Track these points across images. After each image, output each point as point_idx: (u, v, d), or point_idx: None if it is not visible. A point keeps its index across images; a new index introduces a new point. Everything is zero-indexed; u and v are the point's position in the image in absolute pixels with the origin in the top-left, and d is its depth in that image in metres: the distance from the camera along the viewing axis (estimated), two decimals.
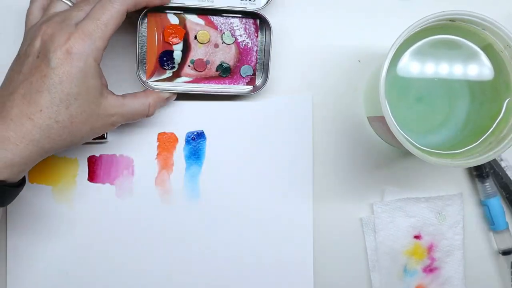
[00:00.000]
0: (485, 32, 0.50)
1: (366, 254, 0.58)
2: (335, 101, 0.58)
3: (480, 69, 0.51)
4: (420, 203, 0.58)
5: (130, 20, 0.49)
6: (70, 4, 0.49)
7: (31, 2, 0.51)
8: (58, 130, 0.45)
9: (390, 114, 0.49)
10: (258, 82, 0.56)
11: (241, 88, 0.56)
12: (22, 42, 0.48)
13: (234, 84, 0.56)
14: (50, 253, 0.56)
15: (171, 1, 0.52)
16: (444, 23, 0.50)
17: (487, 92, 0.51)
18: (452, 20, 0.49)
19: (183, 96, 0.55)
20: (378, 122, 0.53)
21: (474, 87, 0.51)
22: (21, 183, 0.47)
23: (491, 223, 0.58)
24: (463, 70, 0.51)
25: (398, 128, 0.50)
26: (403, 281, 0.58)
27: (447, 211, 0.58)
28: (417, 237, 0.58)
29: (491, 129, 0.51)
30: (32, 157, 0.45)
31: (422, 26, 0.48)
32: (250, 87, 0.56)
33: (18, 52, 0.48)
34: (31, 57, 0.45)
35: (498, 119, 0.51)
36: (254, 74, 0.55)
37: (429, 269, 0.58)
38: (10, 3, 0.55)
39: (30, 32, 0.47)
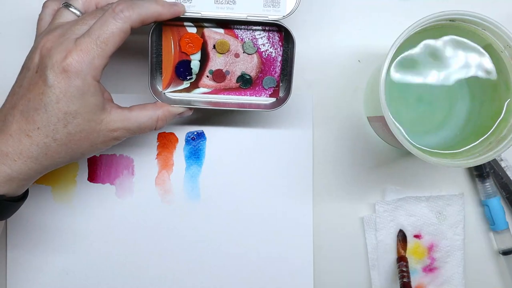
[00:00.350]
0: (485, 32, 0.50)
1: (366, 253, 0.58)
2: (335, 101, 0.58)
3: (480, 69, 0.51)
4: (421, 202, 0.58)
5: (143, 29, 0.48)
6: (77, 13, 0.47)
7: (43, 8, 0.49)
8: (56, 148, 0.44)
9: (390, 114, 0.49)
10: (281, 94, 0.53)
11: (263, 100, 0.53)
12: (30, 50, 0.48)
13: (255, 96, 0.53)
14: (49, 252, 0.56)
15: (187, 12, 0.49)
16: (444, 23, 0.50)
17: (487, 92, 0.51)
18: (452, 20, 0.49)
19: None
20: (378, 122, 0.52)
21: (474, 87, 0.51)
22: (22, 197, 0.47)
23: (491, 223, 0.58)
24: (463, 70, 0.51)
25: (398, 128, 0.50)
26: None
27: (448, 211, 0.58)
28: (417, 236, 0.58)
29: (491, 129, 0.51)
30: (31, 173, 0.45)
31: (422, 26, 0.48)
32: (272, 100, 0.53)
33: (24, 61, 0.47)
34: (31, 71, 0.44)
35: (499, 119, 0.50)
36: (277, 86, 0.53)
37: (429, 269, 0.58)
38: (22, 11, 0.55)
39: (35, 42, 0.46)
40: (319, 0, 0.57)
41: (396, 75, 0.51)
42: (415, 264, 0.58)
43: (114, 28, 0.43)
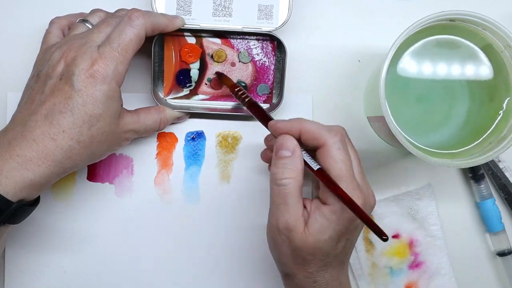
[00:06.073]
0: (485, 32, 0.50)
1: (349, 264, 0.57)
2: (335, 101, 0.58)
3: (480, 69, 0.51)
4: (389, 203, 0.58)
5: (146, 38, 0.50)
6: (91, 27, 0.50)
7: (51, 23, 0.52)
8: (79, 150, 0.46)
9: (390, 114, 0.49)
10: (274, 100, 0.56)
11: None
12: (39, 60, 0.49)
13: None
14: (48, 251, 0.56)
15: (187, 24, 0.53)
16: (444, 23, 0.50)
17: (487, 92, 0.51)
18: (452, 20, 0.50)
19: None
20: (378, 122, 0.53)
21: (474, 87, 0.51)
22: (35, 201, 0.48)
23: (487, 225, 0.58)
24: (463, 70, 0.51)
25: (398, 128, 0.50)
26: (391, 282, 0.58)
27: (418, 204, 0.58)
28: (395, 236, 0.58)
29: (491, 129, 0.51)
30: (52, 177, 0.46)
31: (422, 26, 0.48)
32: (266, 105, 0.56)
33: (36, 70, 0.48)
34: (54, 79, 0.46)
35: (498, 119, 0.51)
36: (271, 93, 0.56)
37: (415, 265, 0.58)
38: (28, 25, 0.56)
39: (50, 53, 0.48)
40: (320, 0, 0.58)
41: (396, 75, 0.51)
42: (400, 264, 0.58)
43: (132, 35, 0.47)
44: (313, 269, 0.46)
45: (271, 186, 0.46)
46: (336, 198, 0.45)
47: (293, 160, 0.46)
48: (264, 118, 0.49)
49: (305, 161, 0.46)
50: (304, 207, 0.46)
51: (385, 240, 0.42)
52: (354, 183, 0.45)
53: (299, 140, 0.47)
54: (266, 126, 0.49)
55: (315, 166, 0.46)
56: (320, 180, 0.46)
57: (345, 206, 0.44)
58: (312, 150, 0.47)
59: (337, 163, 0.45)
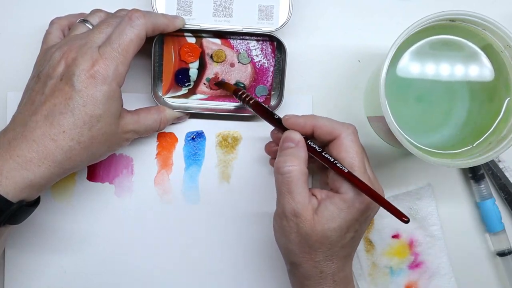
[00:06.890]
0: (485, 32, 0.50)
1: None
2: (335, 101, 0.58)
3: (480, 69, 0.51)
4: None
5: (146, 39, 0.50)
6: (91, 28, 0.50)
7: (51, 24, 0.52)
8: (79, 151, 0.46)
9: (390, 114, 0.49)
10: (273, 102, 0.56)
11: None
12: (39, 61, 0.49)
13: None
14: (48, 251, 0.56)
15: (188, 24, 0.53)
16: (444, 23, 0.50)
17: (487, 92, 0.51)
18: (452, 20, 0.50)
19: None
20: (378, 122, 0.53)
21: (474, 87, 0.51)
22: (36, 202, 0.48)
23: (487, 225, 0.58)
24: (463, 70, 0.51)
25: (398, 128, 0.50)
26: (391, 282, 0.58)
27: (418, 204, 0.58)
28: (396, 236, 0.58)
29: (491, 129, 0.51)
30: (52, 177, 0.46)
31: (422, 26, 0.48)
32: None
33: (37, 71, 0.48)
34: (54, 79, 0.46)
35: (498, 119, 0.51)
36: (269, 94, 0.56)
37: (415, 265, 0.58)
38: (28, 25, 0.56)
39: (50, 53, 0.48)
40: (320, 0, 0.58)
41: (396, 75, 0.51)
42: (400, 264, 0.58)
43: (132, 35, 0.47)
44: (319, 258, 0.46)
45: (275, 175, 0.47)
46: (348, 186, 0.46)
47: (296, 149, 0.47)
48: (271, 116, 0.50)
49: (315, 151, 0.48)
50: (314, 196, 0.47)
51: (407, 222, 0.43)
52: (365, 175, 0.46)
53: (312, 136, 0.48)
54: (273, 124, 0.50)
55: (327, 156, 0.47)
56: (333, 169, 0.47)
57: (357, 196, 0.45)
58: (323, 146, 0.48)
59: (350, 153, 0.46)
